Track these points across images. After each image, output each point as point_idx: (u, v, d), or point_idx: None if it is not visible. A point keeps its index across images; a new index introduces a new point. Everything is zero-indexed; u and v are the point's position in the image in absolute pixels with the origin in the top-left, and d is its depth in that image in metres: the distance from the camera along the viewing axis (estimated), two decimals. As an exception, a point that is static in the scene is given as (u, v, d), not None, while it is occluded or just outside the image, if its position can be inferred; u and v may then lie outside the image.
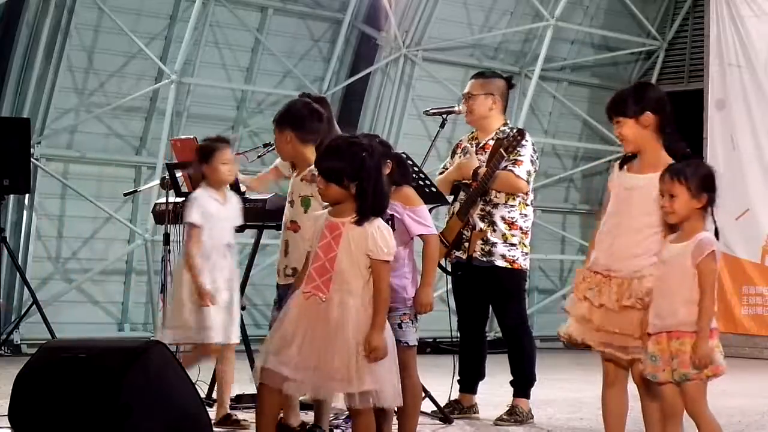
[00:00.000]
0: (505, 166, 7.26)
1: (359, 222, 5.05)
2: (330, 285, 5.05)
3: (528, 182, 7.34)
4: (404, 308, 5.66)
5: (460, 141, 7.68)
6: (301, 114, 6.18)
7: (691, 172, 5.00)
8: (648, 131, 5.25)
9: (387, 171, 5.49)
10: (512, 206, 7.35)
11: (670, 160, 5.20)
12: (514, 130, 7.37)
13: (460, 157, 7.50)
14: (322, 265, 5.09)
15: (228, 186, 6.75)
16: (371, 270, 5.04)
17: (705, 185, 5.01)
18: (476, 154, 7.42)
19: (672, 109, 5.35)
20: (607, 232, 5.30)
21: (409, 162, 6.37)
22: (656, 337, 5.01)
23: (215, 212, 6.60)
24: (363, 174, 5.03)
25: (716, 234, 5.04)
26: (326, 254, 5.09)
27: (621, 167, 5.36)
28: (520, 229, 7.34)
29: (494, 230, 7.31)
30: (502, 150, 7.22)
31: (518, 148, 7.26)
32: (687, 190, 4.98)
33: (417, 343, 5.76)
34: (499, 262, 7.31)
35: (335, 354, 4.98)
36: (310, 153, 6.04)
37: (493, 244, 7.31)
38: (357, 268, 5.04)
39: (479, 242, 7.31)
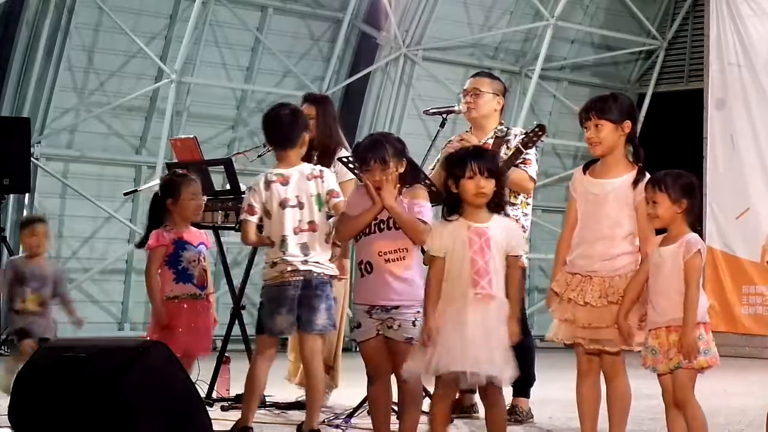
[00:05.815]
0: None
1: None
2: None
3: (535, 182, 7.36)
4: (419, 305, 5.58)
5: (450, 141, 7.61)
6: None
7: (671, 180, 5.30)
8: (622, 138, 5.54)
9: (401, 170, 5.74)
10: (515, 204, 7.33)
11: (632, 166, 5.53)
12: (534, 126, 7.35)
13: (453, 155, 7.44)
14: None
15: None
16: None
17: (684, 192, 5.30)
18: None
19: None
20: (581, 236, 5.55)
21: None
22: (656, 332, 5.28)
23: None
24: None
25: (699, 234, 5.34)
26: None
27: (584, 172, 5.63)
28: (523, 227, 7.31)
29: (500, 227, 7.27)
30: (520, 146, 7.18)
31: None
32: (668, 197, 5.28)
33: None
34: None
35: None
36: (294, 156, 6.22)
37: (500, 243, 7.25)
38: None
39: (485, 240, 7.26)
